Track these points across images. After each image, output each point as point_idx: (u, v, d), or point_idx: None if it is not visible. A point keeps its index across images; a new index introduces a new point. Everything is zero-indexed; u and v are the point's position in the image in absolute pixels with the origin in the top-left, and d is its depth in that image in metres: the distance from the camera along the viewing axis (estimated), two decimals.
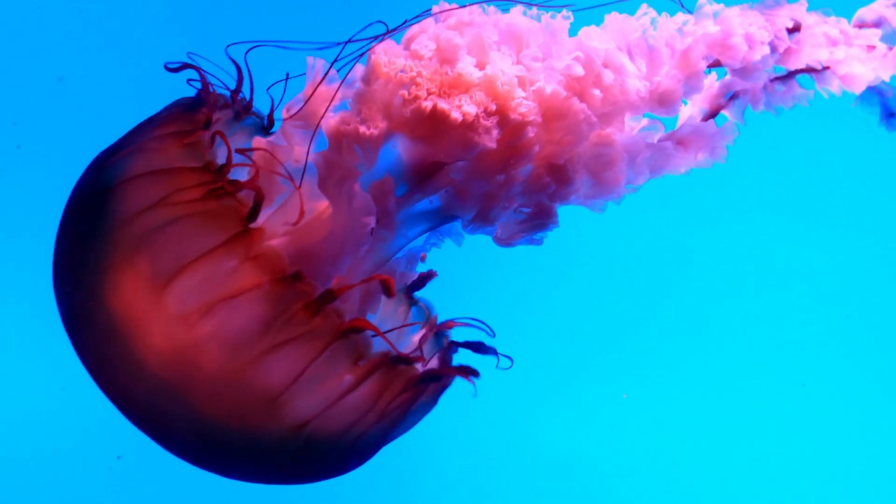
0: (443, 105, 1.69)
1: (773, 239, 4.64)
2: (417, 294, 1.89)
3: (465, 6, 1.82)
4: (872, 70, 1.90)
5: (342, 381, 1.54)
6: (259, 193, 1.54)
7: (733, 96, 1.98)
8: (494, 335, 1.79)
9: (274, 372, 1.50)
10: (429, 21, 1.78)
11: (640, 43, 1.86)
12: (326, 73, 1.80)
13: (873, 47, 1.88)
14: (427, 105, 1.70)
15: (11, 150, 4.30)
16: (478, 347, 1.75)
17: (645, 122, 1.96)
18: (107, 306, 1.53)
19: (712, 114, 2.01)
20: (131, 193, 1.54)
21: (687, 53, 1.86)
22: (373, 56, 1.75)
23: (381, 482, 4.51)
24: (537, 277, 4.59)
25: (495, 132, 1.71)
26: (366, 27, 1.82)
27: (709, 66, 1.91)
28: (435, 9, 1.81)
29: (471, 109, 1.70)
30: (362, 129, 1.68)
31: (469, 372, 1.67)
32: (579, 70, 1.79)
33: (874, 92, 1.96)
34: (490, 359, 1.78)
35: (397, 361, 1.59)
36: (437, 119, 1.69)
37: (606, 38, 1.86)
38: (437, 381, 1.65)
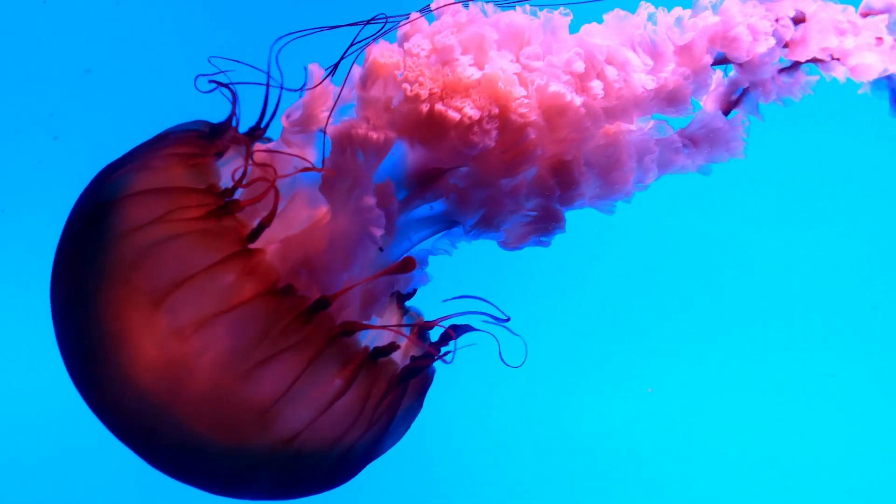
0: (440, 107, 1.68)
1: (799, 229, 4.59)
2: (409, 303, 1.87)
3: (460, 1, 1.81)
4: (882, 61, 1.87)
5: (331, 386, 1.54)
6: (267, 216, 1.56)
7: (744, 92, 1.96)
8: (509, 318, 1.76)
9: (265, 384, 1.50)
10: (421, 21, 1.77)
11: (642, 39, 1.84)
12: (327, 76, 1.80)
13: (881, 40, 1.84)
14: (425, 107, 1.68)
15: (48, 141, 4.36)
16: (449, 337, 1.72)
17: (654, 122, 1.94)
18: (101, 318, 1.53)
19: (724, 112, 1.99)
20: (132, 209, 1.55)
21: (690, 47, 1.84)
22: (370, 57, 1.73)
23: (409, 476, 4.52)
24: (563, 270, 4.57)
25: (494, 133, 1.70)
26: (366, 23, 1.82)
27: (716, 64, 1.89)
28: (433, 6, 1.80)
29: (469, 110, 1.68)
30: (372, 134, 1.67)
31: (441, 352, 1.67)
32: (580, 66, 1.77)
33: (885, 78, 1.93)
34: (513, 351, 1.76)
35: (377, 354, 1.59)
36: (434, 121, 1.68)
37: (608, 34, 1.84)
38: (417, 374, 1.65)
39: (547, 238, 1.82)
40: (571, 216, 1.88)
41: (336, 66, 1.83)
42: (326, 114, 1.75)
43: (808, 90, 1.93)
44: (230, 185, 1.64)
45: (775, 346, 4.62)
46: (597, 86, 1.77)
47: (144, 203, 1.55)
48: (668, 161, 1.89)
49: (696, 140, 1.93)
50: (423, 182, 1.75)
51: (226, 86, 1.76)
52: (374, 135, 1.67)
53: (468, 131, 1.68)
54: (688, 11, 1.85)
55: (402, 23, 1.81)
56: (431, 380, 1.76)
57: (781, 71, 1.92)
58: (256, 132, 1.75)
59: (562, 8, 1.82)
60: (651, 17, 1.85)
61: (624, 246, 4.57)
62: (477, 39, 1.75)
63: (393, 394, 1.63)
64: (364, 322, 1.61)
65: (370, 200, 1.65)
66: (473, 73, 1.71)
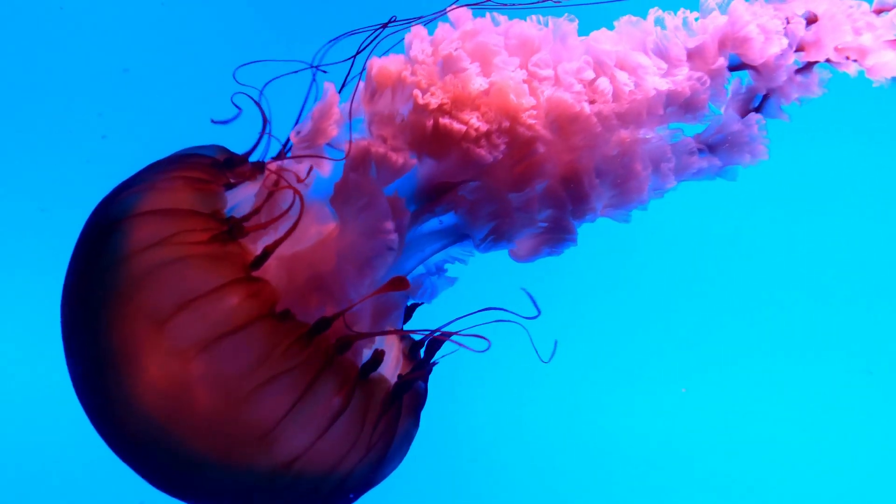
0: (446, 120, 1.67)
1: (837, 229, 4.52)
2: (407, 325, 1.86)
3: (463, 4, 1.80)
4: None
5: (330, 407, 1.54)
6: (272, 244, 1.57)
7: (764, 99, 1.93)
8: (540, 312, 1.75)
9: (266, 407, 1.51)
10: (418, 29, 1.75)
11: (652, 43, 1.82)
12: (341, 89, 1.81)
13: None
14: (431, 120, 1.68)
15: (97, 140, 4.44)
16: (434, 347, 1.73)
17: (670, 130, 1.91)
18: (105, 336, 1.54)
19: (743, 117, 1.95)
20: (137, 229, 1.56)
21: (702, 49, 1.81)
22: (377, 67, 1.72)
23: (441, 478, 4.55)
24: (601, 272, 4.55)
25: (503, 147, 1.68)
26: (375, 31, 1.81)
27: (732, 70, 1.86)
28: (451, 14, 1.79)
29: (476, 123, 1.68)
30: (392, 155, 1.66)
31: (428, 368, 1.66)
32: (590, 74, 1.76)
33: None
34: (546, 350, 1.75)
35: (367, 370, 1.59)
36: (441, 134, 1.67)
37: (618, 40, 1.82)
38: (408, 389, 1.65)
39: (558, 250, 1.81)
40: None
41: (346, 79, 1.85)
42: (336, 128, 1.74)
43: (824, 88, 1.90)
44: (237, 209, 1.65)
45: (812, 343, 4.56)
46: (607, 90, 1.75)
47: (149, 224, 1.57)
48: (686, 166, 1.86)
49: (715, 145, 1.90)
50: (432, 196, 1.74)
51: (257, 104, 1.77)
52: (393, 156, 1.66)
53: (475, 144, 1.68)
54: (696, 14, 1.83)
55: (411, 28, 1.80)
56: (425, 397, 1.75)
57: (797, 72, 1.89)
58: (268, 163, 1.75)
59: (567, 14, 1.80)
60: (660, 22, 1.83)
61: (661, 246, 4.54)
62: (486, 49, 1.73)
63: (389, 413, 1.63)
64: (356, 332, 1.60)
65: (388, 224, 1.64)
66: (482, 84, 1.69)
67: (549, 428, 4.59)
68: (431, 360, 1.74)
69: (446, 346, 1.73)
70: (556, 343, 1.78)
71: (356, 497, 1.68)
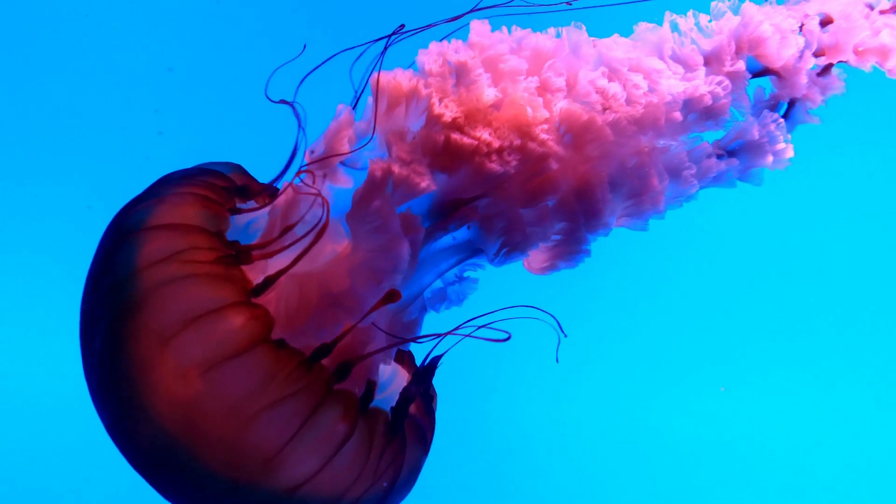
0: (457, 136, 1.67)
1: (875, 234, 4.43)
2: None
3: (474, 10, 1.79)
4: None
5: (335, 433, 1.54)
6: (274, 275, 1.57)
7: (790, 106, 1.89)
8: (566, 335, 1.76)
9: (270, 430, 1.50)
10: (434, 45, 1.75)
11: (669, 48, 1.80)
12: (354, 105, 1.82)
13: None
14: (442, 136, 1.68)
15: (154, 136, 4.53)
16: (430, 369, 1.71)
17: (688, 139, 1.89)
18: (116, 352, 1.54)
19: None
20: (146, 243, 1.57)
21: (718, 51, 1.79)
22: (388, 80, 1.71)
23: (481, 475, 4.57)
24: (641, 275, 4.51)
25: (514, 163, 1.67)
26: (388, 42, 1.81)
27: (754, 77, 1.83)
28: (474, 27, 1.78)
29: (487, 138, 1.67)
30: (415, 178, 1.65)
31: (426, 392, 1.64)
32: (604, 82, 1.75)
33: None
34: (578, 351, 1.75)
35: (366, 399, 1.59)
36: (452, 149, 1.66)
37: (631, 46, 1.80)
38: (404, 416, 1.64)
39: (573, 263, 1.80)
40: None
41: (359, 95, 1.85)
42: (349, 147, 1.72)
43: (844, 87, 1.86)
44: (250, 226, 1.67)
45: (847, 349, 4.48)
46: (620, 94, 1.74)
47: (157, 238, 1.57)
48: (705, 171, 1.84)
49: (735, 150, 1.87)
50: (445, 212, 1.73)
51: (294, 111, 1.77)
52: (416, 178, 1.65)
53: (486, 159, 1.68)
54: (707, 17, 1.81)
55: (417, 36, 1.80)
56: (432, 425, 1.74)
57: (818, 74, 1.85)
58: (279, 190, 1.74)
59: (574, 22, 1.78)
60: (675, 27, 1.80)
61: (702, 249, 4.50)
62: (499, 60, 1.72)
63: (395, 441, 1.62)
64: (357, 354, 1.60)
65: (403, 246, 1.63)
66: (495, 96, 1.68)
67: (588, 426, 4.58)
68: (429, 384, 1.73)
69: (476, 350, 1.70)
70: (583, 343, 1.76)
71: None
